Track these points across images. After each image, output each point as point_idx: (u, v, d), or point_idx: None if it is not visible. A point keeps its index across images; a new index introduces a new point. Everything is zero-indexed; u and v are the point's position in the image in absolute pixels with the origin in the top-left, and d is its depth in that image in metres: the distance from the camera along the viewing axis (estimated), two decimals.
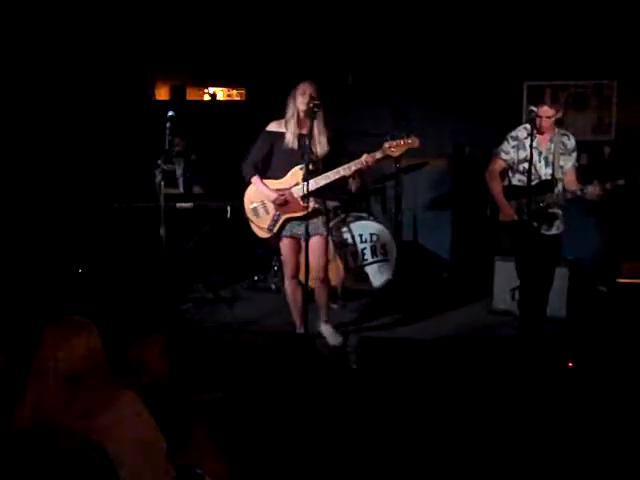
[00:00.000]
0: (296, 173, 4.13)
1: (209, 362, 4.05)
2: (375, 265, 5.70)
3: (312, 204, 4.04)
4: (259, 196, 4.27)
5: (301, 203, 4.10)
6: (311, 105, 3.93)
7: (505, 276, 5.08)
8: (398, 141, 4.03)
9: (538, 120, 4.15)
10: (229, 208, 5.63)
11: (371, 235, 5.68)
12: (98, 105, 6.40)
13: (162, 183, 4.75)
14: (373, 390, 3.80)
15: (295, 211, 4.17)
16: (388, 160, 4.47)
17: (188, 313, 5.27)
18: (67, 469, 1.87)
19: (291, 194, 4.16)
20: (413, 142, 4.06)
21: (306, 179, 3.87)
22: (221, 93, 6.97)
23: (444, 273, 6.51)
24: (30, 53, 6.07)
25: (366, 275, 5.65)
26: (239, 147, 6.64)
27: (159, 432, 2.07)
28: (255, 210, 4.31)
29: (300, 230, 4.18)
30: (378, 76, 6.52)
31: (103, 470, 1.88)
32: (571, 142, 4.35)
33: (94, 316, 2.17)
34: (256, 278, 6.17)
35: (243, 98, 6.95)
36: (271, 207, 4.24)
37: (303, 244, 4.18)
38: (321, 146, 4.11)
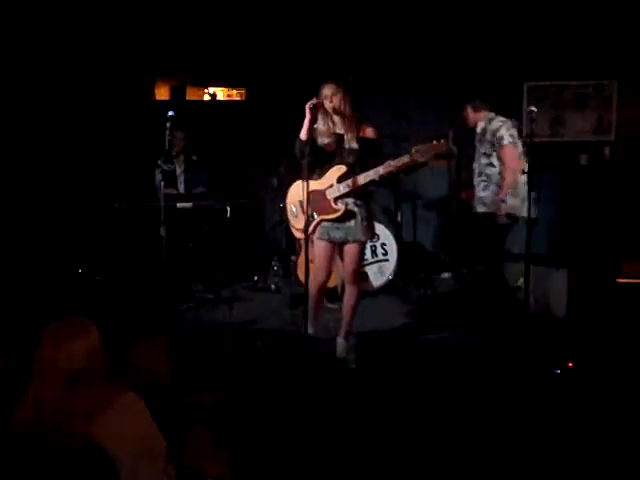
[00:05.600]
0: (332, 174, 4.01)
1: (209, 362, 4.06)
2: (375, 265, 5.71)
3: (343, 207, 3.96)
4: (298, 196, 4.18)
5: (333, 205, 4.00)
6: (310, 106, 3.84)
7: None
8: (426, 146, 3.85)
9: None
10: (229, 208, 5.63)
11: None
12: (98, 105, 6.41)
13: (162, 183, 4.76)
14: (372, 390, 3.80)
15: (327, 213, 4.03)
16: None
17: (188, 313, 5.27)
18: (67, 469, 1.87)
19: (324, 195, 4.04)
20: (441, 146, 3.98)
21: (306, 178, 3.83)
22: (221, 93, 6.98)
23: (444, 273, 6.51)
24: (31, 54, 6.08)
25: (366, 275, 5.65)
26: (239, 147, 6.70)
27: (159, 432, 2.06)
28: (294, 210, 4.28)
29: (337, 235, 4.05)
30: (379, 76, 6.52)
31: (103, 470, 1.88)
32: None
33: (94, 316, 2.17)
34: (256, 278, 6.17)
35: (243, 98, 6.96)
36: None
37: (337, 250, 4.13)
38: (350, 146, 3.98)
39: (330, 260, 4.16)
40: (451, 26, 6.38)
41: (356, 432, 3.28)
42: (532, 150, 4.34)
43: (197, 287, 5.82)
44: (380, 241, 5.69)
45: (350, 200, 4.01)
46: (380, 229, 5.67)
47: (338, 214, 3.98)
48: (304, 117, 3.88)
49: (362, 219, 4.04)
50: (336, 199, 3.99)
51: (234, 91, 6.97)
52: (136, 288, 5.37)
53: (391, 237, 5.71)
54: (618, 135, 6.36)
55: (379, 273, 5.70)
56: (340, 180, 3.95)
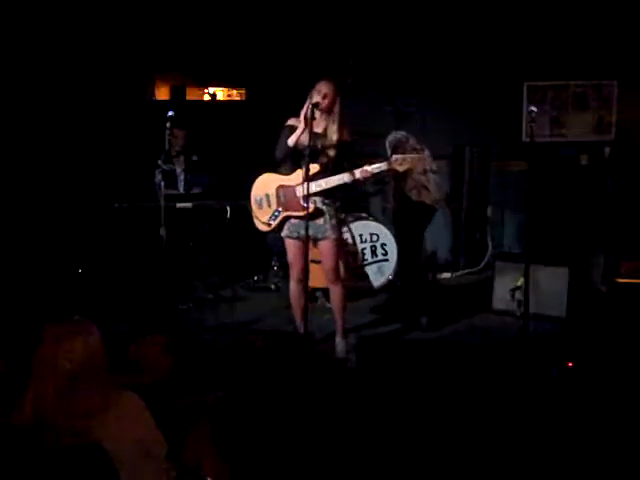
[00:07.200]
0: (302, 172, 3.96)
1: (209, 362, 4.06)
2: (375, 265, 5.70)
3: (312, 205, 3.94)
4: (265, 188, 4.19)
5: (302, 203, 4.00)
6: (309, 105, 3.79)
7: (505, 276, 5.12)
8: (406, 156, 3.92)
9: None
10: (229, 208, 5.63)
11: (371, 235, 5.68)
12: (98, 105, 6.40)
13: (162, 183, 4.75)
14: (372, 390, 3.80)
15: (296, 210, 4.06)
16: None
17: (188, 313, 5.27)
18: (67, 469, 1.87)
19: (294, 192, 4.07)
20: (421, 159, 3.99)
21: (306, 179, 3.82)
22: (221, 93, 6.98)
23: (444, 272, 6.51)
24: (30, 54, 6.08)
25: (366, 275, 5.65)
26: (239, 147, 6.70)
27: (159, 432, 2.07)
28: (259, 202, 4.24)
29: (308, 232, 4.01)
30: (378, 76, 6.52)
31: (103, 470, 1.88)
32: None
33: (94, 316, 2.17)
34: (256, 278, 6.17)
35: (243, 98, 6.95)
36: (274, 201, 4.16)
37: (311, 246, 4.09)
38: (326, 148, 3.98)
39: (303, 257, 4.04)
40: (451, 26, 6.38)
41: (356, 432, 3.28)
42: (532, 150, 4.34)
43: (197, 287, 5.82)
44: (380, 241, 5.68)
45: (318, 199, 4.02)
46: (380, 229, 5.67)
47: (305, 212, 3.91)
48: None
49: (330, 217, 4.07)
50: (303, 198, 3.95)
51: (234, 91, 6.98)
52: (136, 288, 5.37)
53: (391, 237, 5.70)
54: (618, 135, 6.36)
55: (379, 273, 5.70)
56: (312, 179, 3.87)
